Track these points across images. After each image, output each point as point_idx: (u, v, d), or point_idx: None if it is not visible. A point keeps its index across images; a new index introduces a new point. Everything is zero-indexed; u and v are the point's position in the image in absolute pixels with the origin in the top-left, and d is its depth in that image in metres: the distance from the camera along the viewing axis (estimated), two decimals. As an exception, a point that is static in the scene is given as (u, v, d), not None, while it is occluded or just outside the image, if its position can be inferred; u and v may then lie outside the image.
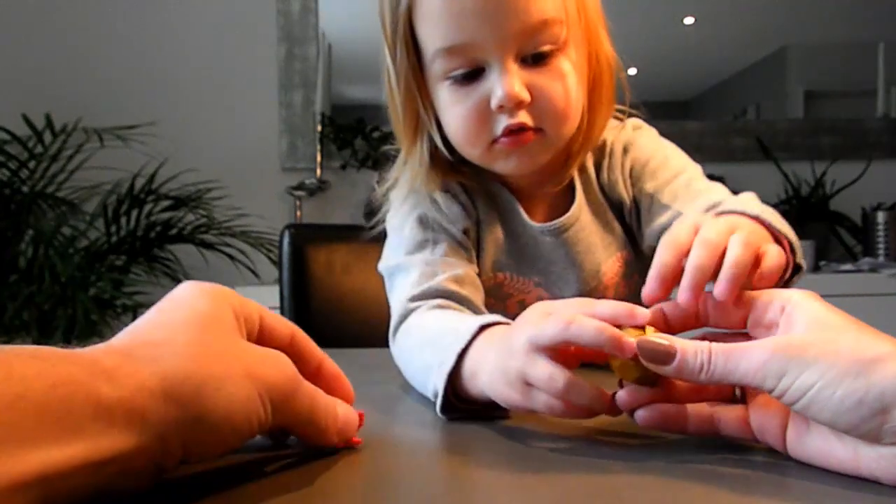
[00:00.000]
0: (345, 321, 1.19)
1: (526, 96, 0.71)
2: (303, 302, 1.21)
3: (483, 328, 0.58)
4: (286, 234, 1.24)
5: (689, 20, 2.74)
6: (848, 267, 2.30)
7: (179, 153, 2.49)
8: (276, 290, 1.28)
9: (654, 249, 0.52)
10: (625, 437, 0.50)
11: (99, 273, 2.21)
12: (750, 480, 0.41)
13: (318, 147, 2.59)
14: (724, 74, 2.79)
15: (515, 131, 0.73)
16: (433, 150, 0.80)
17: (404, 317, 0.73)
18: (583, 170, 0.84)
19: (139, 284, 2.25)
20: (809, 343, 0.41)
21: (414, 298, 0.74)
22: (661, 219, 0.79)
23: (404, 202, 0.84)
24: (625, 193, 0.83)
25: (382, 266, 0.82)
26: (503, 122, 0.73)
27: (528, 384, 0.50)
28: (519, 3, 0.69)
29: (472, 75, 0.73)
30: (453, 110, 0.75)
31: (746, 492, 0.39)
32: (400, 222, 0.83)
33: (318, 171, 2.59)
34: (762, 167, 2.63)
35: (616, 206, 0.84)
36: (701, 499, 0.38)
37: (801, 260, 0.64)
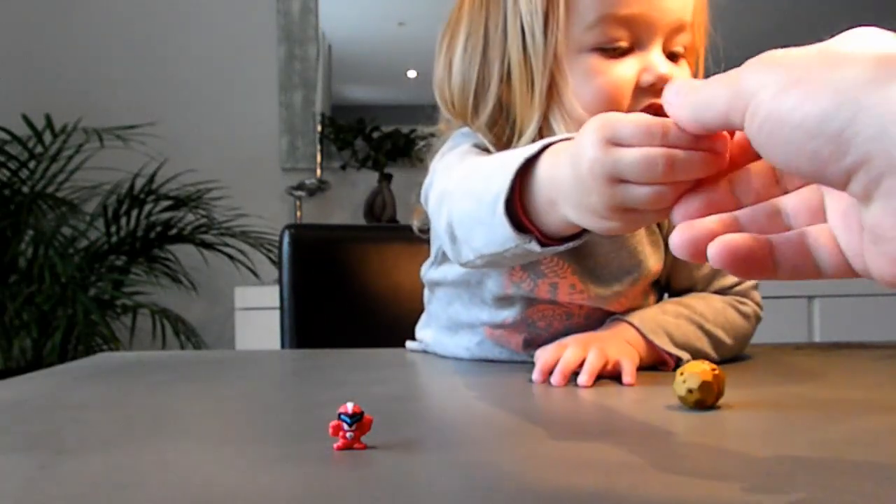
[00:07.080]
0: (345, 321, 1.19)
1: None
2: (303, 302, 1.21)
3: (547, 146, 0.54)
4: (286, 234, 1.24)
5: (689, 20, 2.74)
6: (848, 267, 2.29)
7: (179, 153, 2.49)
8: (276, 290, 1.28)
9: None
10: (639, 443, 0.50)
11: (99, 273, 2.21)
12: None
13: (318, 147, 2.59)
14: (724, 74, 2.79)
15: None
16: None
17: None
18: None
19: (139, 284, 2.25)
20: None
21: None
22: None
23: (451, 151, 0.80)
24: None
25: (433, 193, 0.75)
26: (645, 102, 0.73)
27: (619, 181, 0.43)
28: None
29: (621, 52, 0.74)
30: (596, 80, 0.74)
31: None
32: (447, 159, 0.78)
33: (318, 171, 2.59)
34: (762, 167, 2.63)
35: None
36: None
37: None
